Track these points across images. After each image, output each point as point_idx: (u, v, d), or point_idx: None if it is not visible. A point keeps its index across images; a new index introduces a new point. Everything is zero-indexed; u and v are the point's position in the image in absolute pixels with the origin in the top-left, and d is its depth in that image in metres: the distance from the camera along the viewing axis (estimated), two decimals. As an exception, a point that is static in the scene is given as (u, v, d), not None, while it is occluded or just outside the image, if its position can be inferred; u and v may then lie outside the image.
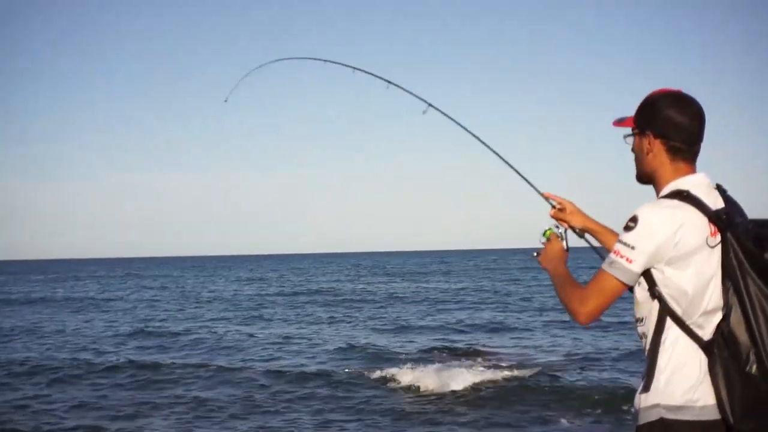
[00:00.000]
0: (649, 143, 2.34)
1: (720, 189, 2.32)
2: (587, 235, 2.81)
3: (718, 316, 2.22)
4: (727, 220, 2.20)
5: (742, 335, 2.15)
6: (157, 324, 22.16)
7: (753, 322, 2.13)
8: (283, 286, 41.95)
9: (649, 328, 2.29)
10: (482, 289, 34.77)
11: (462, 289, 35.74)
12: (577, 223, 2.78)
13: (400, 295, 31.84)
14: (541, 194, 2.90)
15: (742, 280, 2.16)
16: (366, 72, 3.73)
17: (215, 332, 19.47)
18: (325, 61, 4.00)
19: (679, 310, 2.23)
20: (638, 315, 2.34)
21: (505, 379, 11.68)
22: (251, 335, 18.74)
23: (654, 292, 2.25)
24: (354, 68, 3.78)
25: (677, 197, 2.25)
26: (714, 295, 2.23)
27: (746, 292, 2.15)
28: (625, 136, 2.45)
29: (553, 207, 2.84)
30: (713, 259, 2.22)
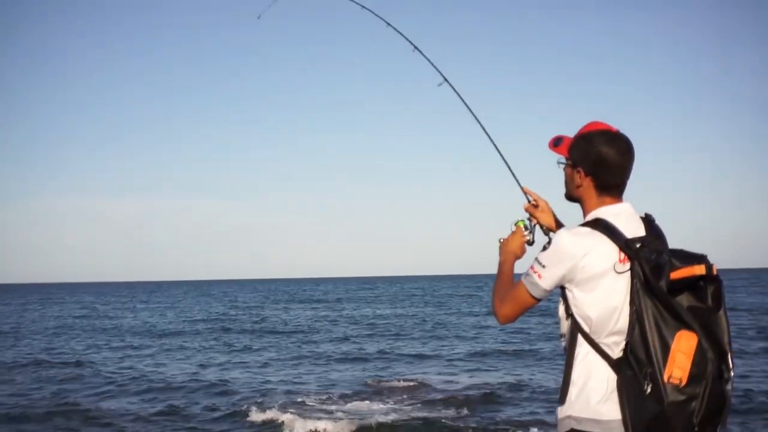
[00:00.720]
0: (580, 178, 2.51)
1: (647, 218, 2.48)
2: (552, 234, 2.86)
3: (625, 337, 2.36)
4: (635, 249, 2.35)
5: (642, 356, 2.28)
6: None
7: (650, 343, 2.28)
8: (184, 313, 40.20)
9: (566, 344, 2.48)
10: (397, 316, 33.68)
11: (377, 316, 34.32)
12: (545, 221, 2.87)
13: (301, 324, 30.04)
14: (521, 187, 2.99)
15: (642, 303, 2.31)
16: (395, 29, 3.72)
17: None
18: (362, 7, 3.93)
19: (587, 329, 2.41)
20: (561, 331, 2.54)
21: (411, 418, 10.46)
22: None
23: (568, 311, 2.45)
24: (387, 23, 3.83)
25: (591, 225, 2.43)
26: (622, 317, 2.36)
27: (645, 314, 2.30)
28: (559, 162, 2.61)
29: (529, 202, 2.93)
30: (621, 284, 2.36)
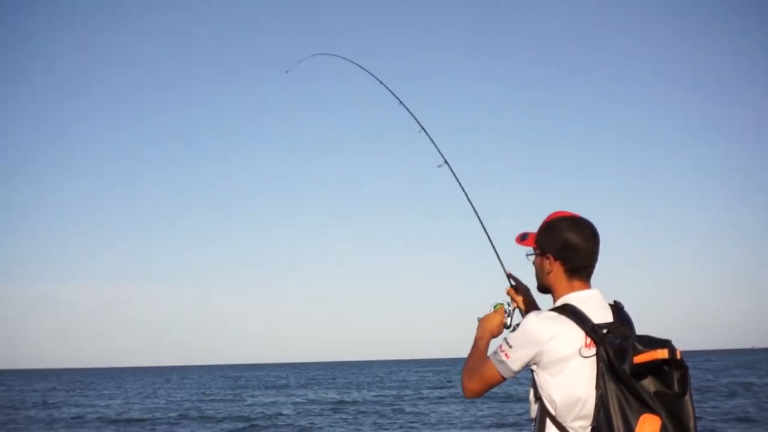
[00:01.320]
0: (550, 264, 2.59)
1: (616, 305, 2.55)
2: None
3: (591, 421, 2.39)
4: (601, 334, 2.39)
5: None
6: None
7: (615, 426, 2.32)
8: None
9: (536, 428, 2.50)
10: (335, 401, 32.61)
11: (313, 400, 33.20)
12: (525, 306, 2.98)
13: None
14: (506, 272, 3.11)
15: (606, 387, 2.34)
16: (407, 109, 3.69)
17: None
18: (380, 82, 4.04)
19: (554, 413, 2.43)
20: (530, 416, 2.57)
21: None
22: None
23: (537, 395, 2.48)
24: (400, 102, 3.82)
25: (559, 310, 2.49)
26: (588, 401, 2.38)
27: (610, 398, 2.33)
28: (528, 254, 2.71)
29: (512, 286, 3.05)
30: (587, 369, 2.39)
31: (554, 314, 2.48)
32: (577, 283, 2.56)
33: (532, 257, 2.70)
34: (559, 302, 2.55)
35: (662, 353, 2.35)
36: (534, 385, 2.51)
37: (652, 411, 2.32)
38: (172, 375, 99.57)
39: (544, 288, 2.67)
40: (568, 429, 2.42)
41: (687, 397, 2.35)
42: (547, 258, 2.60)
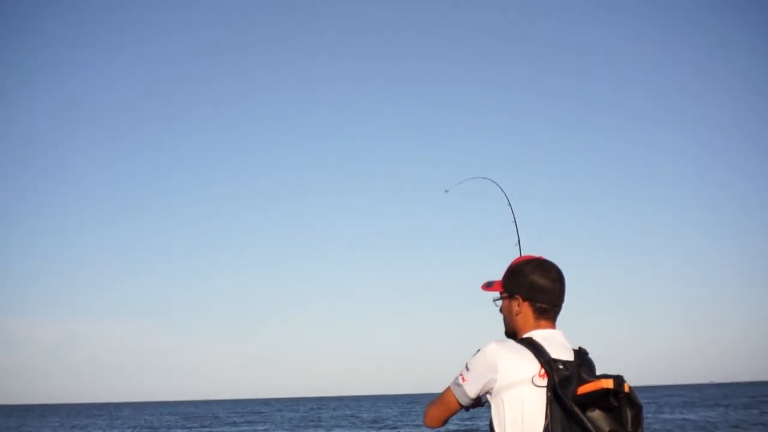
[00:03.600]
0: (518, 305, 2.64)
1: (580, 351, 2.55)
2: None
3: None
4: (554, 366, 2.43)
5: None
6: None
7: None
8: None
9: None
10: None
11: None
12: None
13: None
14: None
15: (551, 415, 2.38)
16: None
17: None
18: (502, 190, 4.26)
19: None
20: None
21: None
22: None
23: (491, 421, 2.52)
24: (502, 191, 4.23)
25: (519, 341, 2.55)
26: (538, 429, 2.40)
27: (554, 421, 2.37)
28: (495, 300, 2.77)
29: None
30: (538, 397, 2.43)
31: (514, 343, 2.54)
32: (543, 323, 2.61)
33: (500, 302, 2.75)
34: (524, 336, 2.59)
35: (607, 383, 2.34)
36: (490, 416, 2.54)
37: None
38: (125, 410, 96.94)
39: (512, 331, 2.69)
40: None
41: None
42: (516, 299, 2.64)
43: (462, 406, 2.61)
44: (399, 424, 40.70)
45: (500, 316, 2.76)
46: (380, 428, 37.75)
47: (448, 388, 2.61)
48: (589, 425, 2.33)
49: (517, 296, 2.63)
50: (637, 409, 2.37)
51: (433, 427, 2.70)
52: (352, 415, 56.29)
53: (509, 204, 4.06)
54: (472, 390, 2.53)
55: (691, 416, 38.02)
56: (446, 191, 5.01)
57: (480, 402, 2.70)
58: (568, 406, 2.35)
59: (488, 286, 2.77)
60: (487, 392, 2.51)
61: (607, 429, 2.34)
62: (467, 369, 2.53)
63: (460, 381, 2.54)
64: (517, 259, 2.72)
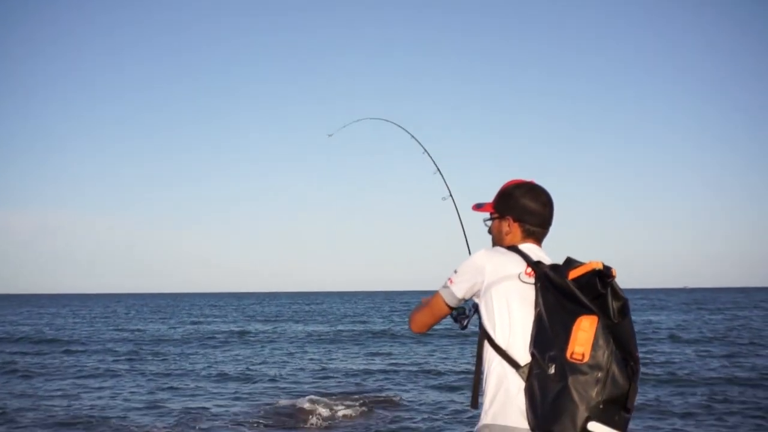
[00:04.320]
0: (509, 225, 2.77)
1: (570, 259, 2.51)
2: None
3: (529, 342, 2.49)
4: (538, 262, 2.58)
5: (545, 344, 2.40)
6: None
7: (551, 331, 2.40)
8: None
9: (476, 353, 2.66)
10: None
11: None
12: None
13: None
14: None
15: (543, 300, 2.47)
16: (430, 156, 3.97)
17: None
18: (412, 137, 4.19)
19: (494, 337, 2.55)
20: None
21: None
22: None
23: (481, 323, 2.63)
24: (424, 150, 4.04)
25: (506, 247, 2.72)
26: (527, 324, 2.50)
27: (546, 308, 2.45)
28: (485, 220, 2.88)
29: None
30: (527, 293, 2.54)
31: (501, 248, 2.71)
32: (530, 241, 2.74)
33: (490, 222, 2.86)
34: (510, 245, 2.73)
35: (597, 264, 2.38)
36: (479, 318, 2.66)
37: (590, 312, 2.35)
38: (97, 301, 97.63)
39: None
40: (508, 352, 2.51)
41: (626, 321, 2.37)
42: (506, 220, 2.77)
43: (450, 309, 2.76)
44: (367, 318, 40.32)
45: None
46: (352, 322, 37.25)
47: (436, 293, 2.75)
48: (585, 299, 2.35)
49: (507, 217, 2.76)
50: (622, 301, 2.37)
51: (418, 332, 2.84)
52: (325, 311, 56.05)
53: (413, 137, 4.16)
54: (459, 290, 2.67)
55: (661, 318, 37.73)
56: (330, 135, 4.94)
57: (465, 313, 2.87)
58: (562, 285, 2.41)
59: (479, 207, 2.90)
60: (475, 295, 2.67)
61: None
62: (455, 272, 2.69)
63: (448, 284, 2.69)
64: (508, 183, 2.81)
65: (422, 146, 4.07)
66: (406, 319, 2.87)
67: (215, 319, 42.96)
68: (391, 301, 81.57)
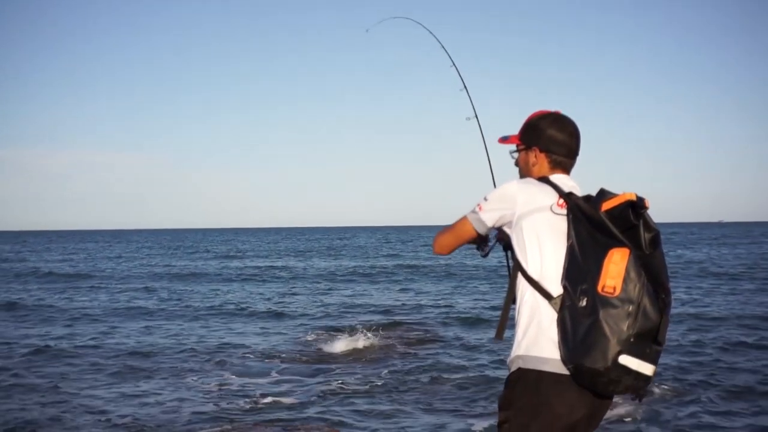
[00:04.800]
0: (536, 156, 2.75)
1: (603, 191, 2.52)
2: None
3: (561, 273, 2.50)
4: (570, 194, 2.57)
5: (576, 277, 2.42)
6: None
7: (583, 263, 2.41)
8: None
9: (508, 285, 2.68)
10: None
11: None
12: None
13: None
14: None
15: (575, 232, 2.47)
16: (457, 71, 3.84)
17: None
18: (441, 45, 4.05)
19: (527, 268, 2.56)
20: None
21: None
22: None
23: (513, 254, 2.63)
24: (452, 63, 3.90)
25: (538, 179, 2.70)
26: (560, 255, 2.51)
27: (578, 240, 2.46)
28: (511, 152, 2.87)
29: None
30: (559, 224, 2.54)
31: (532, 179, 2.70)
32: (558, 171, 2.73)
33: (516, 154, 2.84)
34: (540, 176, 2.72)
35: (630, 195, 2.38)
36: (510, 249, 2.68)
37: (622, 244, 2.36)
38: (133, 236, 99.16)
39: None
40: (541, 284, 2.51)
41: (657, 253, 2.40)
42: (533, 151, 2.75)
43: (477, 235, 2.73)
44: (399, 252, 40.57)
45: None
46: (384, 256, 37.51)
47: (464, 217, 2.71)
48: (617, 232, 2.36)
49: (534, 148, 2.74)
50: (654, 232, 2.38)
51: (440, 253, 2.83)
52: (344, 246, 56.40)
53: (443, 47, 4.01)
54: (488, 218, 2.66)
55: (695, 255, 37.40)
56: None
57: (487, 242, 2.89)
58: (595, 217, 2.42)
59: (504, 139, 2.88)
60: (505, 225, 2.66)
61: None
62: (485, 200, 2.67)
63: (477, 210, 2.67)
64: (534, 114, 2.80)
65: (450, 58, 3.93)
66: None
67: (249, 254, 43.54)
68: (422, 236, 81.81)
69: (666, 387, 8.02)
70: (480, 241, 2.86)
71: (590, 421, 2.54)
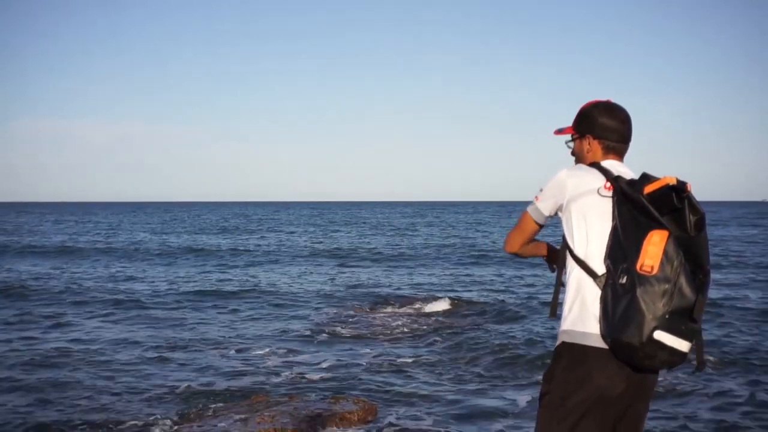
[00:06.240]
0: (589, 144, 2.88)
1: (646, 175, 2.62)
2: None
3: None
4: (617, 177, 2.68)
5: (618, 256, 2.54)
6: None
7: (624, 243, 2.53)
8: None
9: (560, 265, 2.84)
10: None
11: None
12: (539, 252, 3.10)
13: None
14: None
15: (618, 213, 2.60)
16: None
17: None
18: None
19: (574, 247, 2.71)
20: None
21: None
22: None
23: (563, 236, 2.77)
24: None
25: (588, 165, 2.83)
26: (605, 235, 2.63)
27: (621, 221, 2.58)
28: (567, 142, 3.00)
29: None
30: (605, 206, 2.66)
31: (583, 165, 2.84)
32: (611, 156, 2.85)
33: (572, 144, 2.98)
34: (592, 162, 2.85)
35: (670, 179, 2.47)
36: (563, 233, 2.78)
37: (662, 226, 2.47)
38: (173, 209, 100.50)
39: None
40: (587, 262, 2.64)
41: (702, 235, 2.50)
42: (586, 139, 2.88)
43: (539, 226, 2.88)
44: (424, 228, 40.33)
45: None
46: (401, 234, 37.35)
47: (525, 212, 2.90)
48: (657, 214, 2.48)
49: (587, 136, 2.87)
50: (699, 215, 2.48)
51: (512, 251, 2.97)
52: (385, 219, 56.28)
53: None
54: (545, 207, 2.83)
55: (737, 233, 36.61)
56: None
57: (555, 255, 2.99)
58: (636, 200, 2.53)
59: (560, 131, 3.01)
60: (559, 209, 2.81)
61: (672, 232, 2.46)
62: (540, 191, 2.84)
63: (535, 201, 2.85)
64: (586, 104, 2.92)
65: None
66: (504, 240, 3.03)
67: (291, 227, 43.66)
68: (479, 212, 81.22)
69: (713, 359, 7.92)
70: (550, 257, 3.03)
71: (636, 396, 2.66)
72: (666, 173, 2.54)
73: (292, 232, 41.84)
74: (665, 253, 2.45)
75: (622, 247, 2.54)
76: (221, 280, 17.40)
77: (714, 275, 14.36)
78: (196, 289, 15.47)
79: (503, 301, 13.05)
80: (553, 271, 3.01)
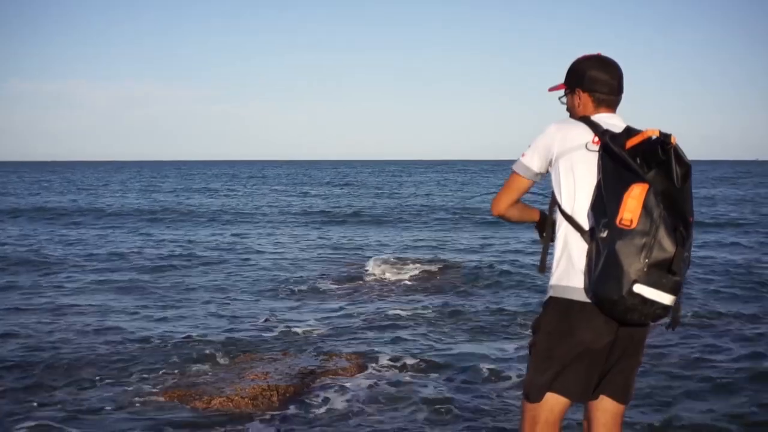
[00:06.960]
0: (580, 97, 2.89)
1: (629, 129, 2.68)
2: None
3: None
4: (605, 131, 2.68)
5: (600, 210, 2.57)
6: None
7: (604, 192, 2.56)
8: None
9: (549, 220, 2.92)
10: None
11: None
12: (532, 217, 3.10)
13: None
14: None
15: (603, 165, 2.61)
16: None
17: None
18: None
19: (561, 202, 2.74)
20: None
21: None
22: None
23: (552, 191, 2.80)
24: None
25: (577, 118, 2.84)
26: (591, 190, 2.64)
27: (605, 176, 2.59)
28: (560, 98, 3.01)
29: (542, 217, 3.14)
30: (592, 161, 2.68)
31: (572, 119, 2.86)
32: (602, 109, 2.85)
33: (564, 99, 2.98)
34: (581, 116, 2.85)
35: (652, 131, 2.51)
36: (551, 189, 2.81)
37: (642, 180, 2.50)
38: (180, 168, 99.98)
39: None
40: (574, 217, 2.69)
41: (686, 186, 2.52)
42: (577, 93, 2.89)
43: (527, 184, 2.87)
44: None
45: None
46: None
47: (512, 172, 2.89)
48: (640, 170, 2.50)
49: (578, 89, 2.88)
50: (686, 167, 2.49)
51: (499, 214, 2.94)
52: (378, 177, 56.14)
53: None
54: (532, 162, 2.83)
55: (729, 192, 36.81)
56: None
57: (544, 221, 3.01)
58: (620, 155, 2.55)
59: (554, 87, 3.01)
60: (549, 165, 2.81)
61: (660, 189, 2.48)
62: (528, 147, 2.85)
63: (522, 159, 2.85)
64: (577, 58, 2.92)
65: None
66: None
67: (309, 187, 43.51)
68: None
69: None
70: (540, 224, 3.03)
71: (625, 349, 2.72)
72: (651, 127, 2.55)
73: (278, 191, 41.78)
74: (645, 206, 2.48)
75: (604, 201, 2.56)
76: (209, 241, 17.35)
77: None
78: (186, 251, 15.42)
79: (492, 260, 13.10)
80: (542, 239, 3.02)
